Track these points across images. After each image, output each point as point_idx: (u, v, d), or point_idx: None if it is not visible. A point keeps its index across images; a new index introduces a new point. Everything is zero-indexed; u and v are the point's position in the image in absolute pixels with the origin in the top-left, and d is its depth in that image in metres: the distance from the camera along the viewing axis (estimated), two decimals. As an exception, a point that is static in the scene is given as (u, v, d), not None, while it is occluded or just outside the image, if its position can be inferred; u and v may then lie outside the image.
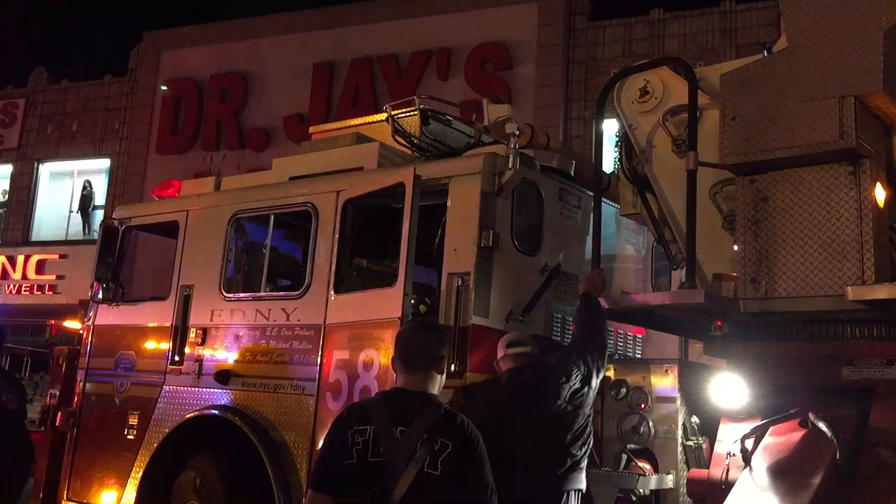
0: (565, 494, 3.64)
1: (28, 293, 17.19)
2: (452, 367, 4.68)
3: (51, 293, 16.95)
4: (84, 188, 18.26)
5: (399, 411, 2.98)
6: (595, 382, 3.91)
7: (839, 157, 3.81)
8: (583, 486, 3.72)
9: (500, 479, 3.03)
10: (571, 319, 5.29)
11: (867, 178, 3.78)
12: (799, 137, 3.83)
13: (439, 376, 3.12)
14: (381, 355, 4.83)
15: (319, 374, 5.16)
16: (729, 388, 3.97)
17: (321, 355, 5.22)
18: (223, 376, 5.64)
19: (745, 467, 3.61)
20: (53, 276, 17.23)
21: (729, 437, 3.89)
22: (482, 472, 2.93)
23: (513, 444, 3.58)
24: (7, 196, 18.89)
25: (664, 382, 4.20)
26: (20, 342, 14.48)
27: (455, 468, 2.87)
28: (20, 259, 17.63)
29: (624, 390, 4.28)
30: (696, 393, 4.16)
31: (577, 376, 3.83)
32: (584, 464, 3.75)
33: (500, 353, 4.07)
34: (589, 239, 5.13)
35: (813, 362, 4.01)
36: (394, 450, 2.88)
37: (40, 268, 17.37)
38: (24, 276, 17.52)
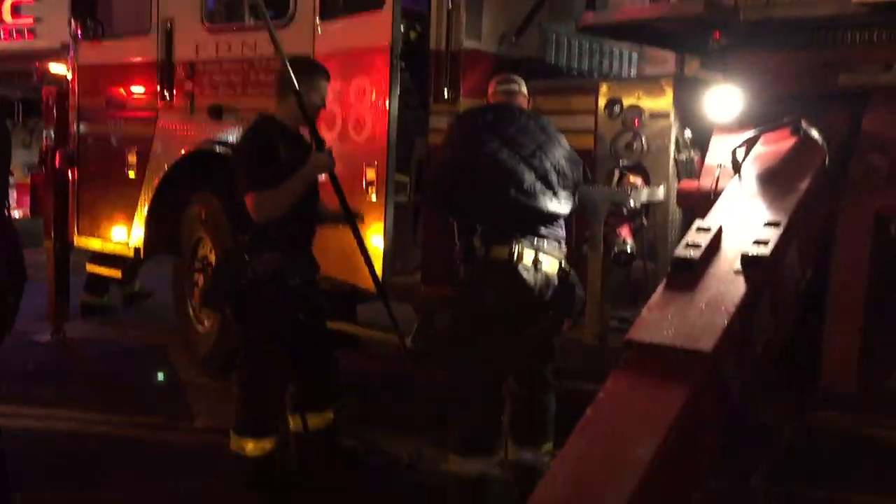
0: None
1: (6, 39, 16.62)
2: (445, 94, 4.64)
3: (31, 38, 16.38)
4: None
5: None
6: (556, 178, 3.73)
7: None
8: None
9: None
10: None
11: None
12: None
13: None
14: (371, 84, 4.76)
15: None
16: (724, 100, 3.93)
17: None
18: (216, 111, 5.61)
19: (734, 176, 3.67)
20: (31, 20, 16.57)
21: (720, 149, 3.92)
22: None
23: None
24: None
25: (658, 98, 4.16)
26: (9, 88, 14.26)
27: None
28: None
29: (618, 108, 4.25)
30: (690, 107, 4.13)
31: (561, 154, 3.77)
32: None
33: (490, 89, 3.98)
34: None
35: (811, 70, 3.96)
36: None
37: (16, 11, 16.66)
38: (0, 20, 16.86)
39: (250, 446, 3.86)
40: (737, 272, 3.09)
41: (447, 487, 3.77)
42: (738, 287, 3.04)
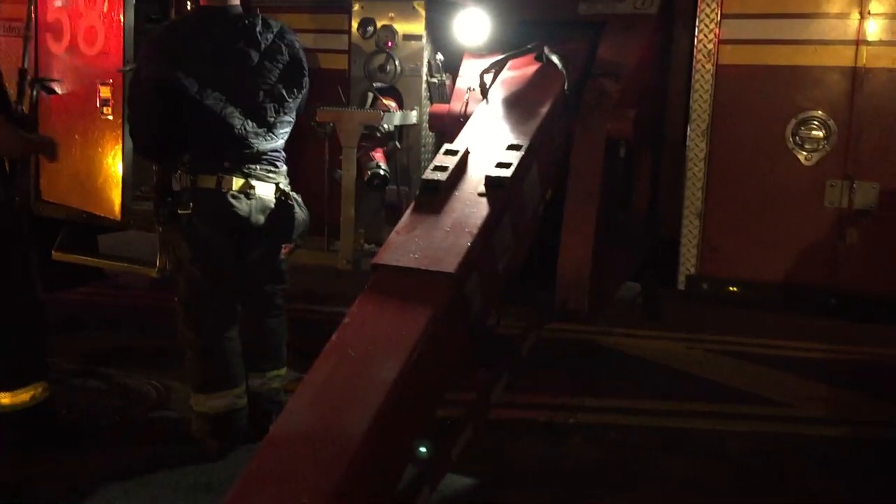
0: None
1: None
2: (188, 5, 4.32)
3: None
4: None
5: None
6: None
7: None
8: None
9: None
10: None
11: None
12: None
13: None
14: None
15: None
16: (474, 24, 3.97)
17: None
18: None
19: (482, 100, 3.73)
20: None
21: (470, 73, 3.97)
22: None
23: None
24: None
25: (412, 20, 4.12)
26: None
27: None
28: None
29: (371, 29, 4.17)
30: (442, 30, 4.14)
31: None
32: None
33: None
34: None
35: (553, -3, 4.09)
36: None
37: None
38: None
39: (23, 396, 3.54)
40: (480, 194, 3.16)
41: (191, 424, 3.66)
42: (482, 208, 3.10)
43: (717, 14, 3.69)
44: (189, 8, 4.26)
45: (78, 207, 4.60)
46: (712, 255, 3.79)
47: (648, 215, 4.17)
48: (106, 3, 4.31)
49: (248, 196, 3.51)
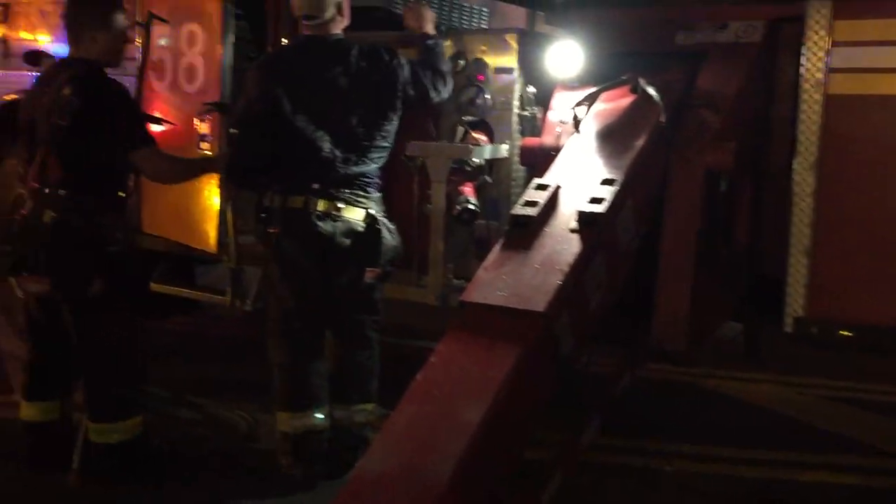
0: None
1: None
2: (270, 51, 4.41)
3: None
4: None
5: None
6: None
7: None
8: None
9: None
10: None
11: None
12: None
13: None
14: (203, 30, 4.44)
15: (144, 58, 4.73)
16: (566, 56, 3.90)
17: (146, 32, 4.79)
18: (33, 57, 5.13)
19: (574, 134, 3.64)
20: None
21: (562, 106, 3.89)
22: None
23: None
24: None
25: (503, 53, 4.07)
26: None
27: None
28: None
29: (462, 62, 4.14)
30: (534, 63, 4.07)
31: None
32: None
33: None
34: None
35: (650, 27, 3.98)
36: None
37: None
38: None
39: (126, 426, 3.62)
40: (573, 230, 3.07)
41: (277, 445, 3.67)
42: (573, 245, 3.01)
43: (826, 42, 3.49)
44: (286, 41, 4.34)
45: (175, 240, 4.70)
46: (822, 296, 3.56)
47: (751, 251, 3.96)
48: (205, 43, 4.42)
49: (333, 218, 3.52)
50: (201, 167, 4.02)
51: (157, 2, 4.66)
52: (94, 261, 3.47)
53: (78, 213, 3.45)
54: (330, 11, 3.58)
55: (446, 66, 3.85)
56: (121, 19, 3.63)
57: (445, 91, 3.81)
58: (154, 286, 4.96)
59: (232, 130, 3.74)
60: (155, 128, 4.35)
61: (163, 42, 4.66)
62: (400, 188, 4.12)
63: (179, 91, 4.59)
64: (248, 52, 4.72)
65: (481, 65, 4.09)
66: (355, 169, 3.56)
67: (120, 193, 3.65)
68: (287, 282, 3.62)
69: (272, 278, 3.73)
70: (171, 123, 4.19)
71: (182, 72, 4.55)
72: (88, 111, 3.40)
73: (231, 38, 4.39)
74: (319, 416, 3.63)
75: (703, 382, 5.05)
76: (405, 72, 3.64)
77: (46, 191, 3.47)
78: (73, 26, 3.57)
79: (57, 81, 3.48)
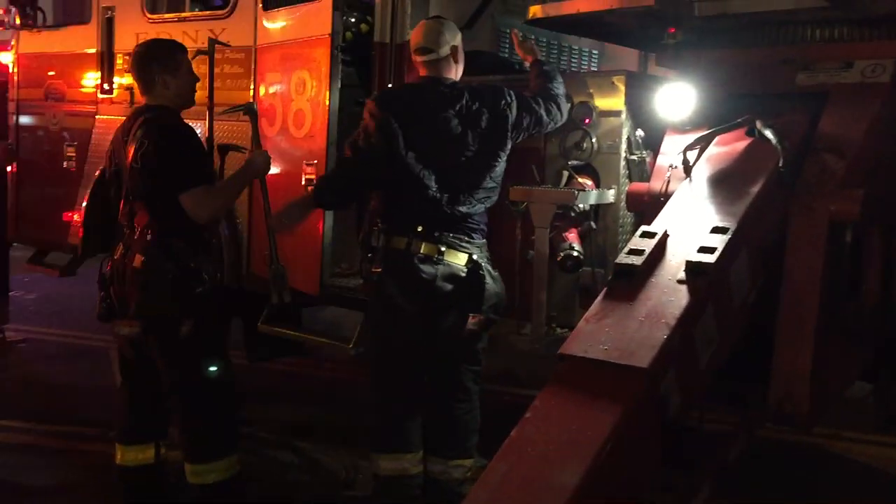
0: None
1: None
2: (389, 87, 4.43)
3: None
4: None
5: None
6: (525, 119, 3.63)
7: None
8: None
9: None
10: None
11: None
12: None
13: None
14: (311, 77, 4.52)
15: (254, 100, 4.86)
16: (677, 98, 3.74)
17: (254, 79, 4.92)
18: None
19: (685, 179, 3.47)
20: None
21: (672, 150, 3.72)
22: None
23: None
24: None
25: (610, 95, 3.95)
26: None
27: None
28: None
29: (568, 105, 4.04)
30: (643, 105, 3.93)
31: (505, 105, 3.55)
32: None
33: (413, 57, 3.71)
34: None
35: (768, 68, 3.77)
36: None
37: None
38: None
39: (220, 467, 3.59)
40: (680, 281, 2.90)
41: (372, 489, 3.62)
42: (681, 297, 2.85)
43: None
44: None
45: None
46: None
47: (881, 307, 3.65)
48: (313, 89, 4.50)
49: (435, 261, 3.46)
50: (241, 180, 3.86)
51: (269, 50, 4.80)
52: (182, 303, 3.50)
53: (165, 255, 3.50)
54: (444, 49, 3.56)
55: (561, 88, 3.80)
56: (187, 62, 3.69)
57: (561, 115, 3.77)
58: (260, 327, 5.02)
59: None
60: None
61: (273, 89, 4.78)
62: (503, 233, 4.03)
63: (288, 135, 4.68)
64: (355, 98, 4.78)
65: (587, 108, 3.98)
66: (461, 211, 3.50)
67: (206, 235, 3.68)
68: (388, 324, 3.58)
69: (374, 318, 3.71)
70: (243, 150, 4.20)
71: (291, 117, 4.64)
72: (153, 153, 3.45)
73: (338, 84, 4.44)
74: (412, 461, 3.54)
75: (830, 446, 4.68)
76: (515, 109, 3.59)
77: (135, 235, 3.54)
78: (143, 74, 3.63)
79: (134, 127, 3.57)
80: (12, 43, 6.45)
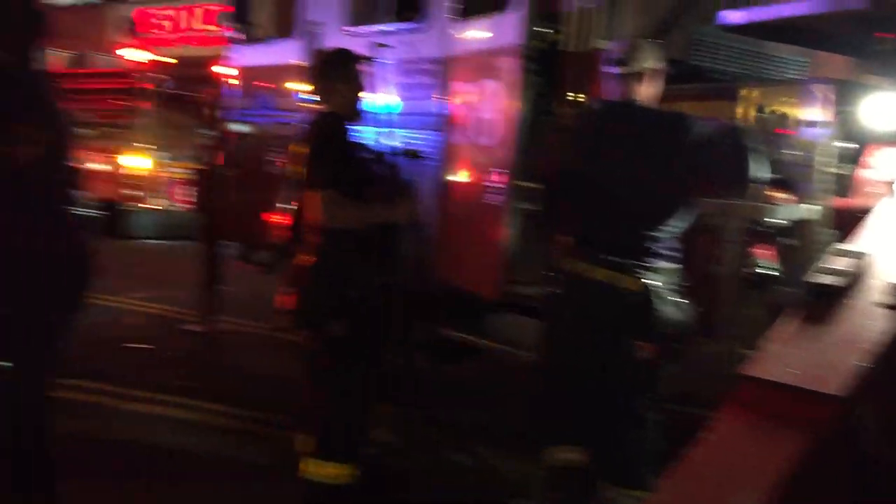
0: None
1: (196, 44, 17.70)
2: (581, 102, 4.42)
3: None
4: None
5: None
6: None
7: None
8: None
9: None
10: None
11: None
12: None
13: None
14: (501, 86, 4.59)
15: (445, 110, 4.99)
16: (885, 108, 3.47)
17: (444, 89, 5.06)
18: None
19: (891, 194, 3.21)
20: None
21: (879, 163, 3.46)
22: None
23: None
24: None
25: (811, 105, 3.73)
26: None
27: None
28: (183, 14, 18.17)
29: (764, 115, 3.85)
30: (847, 116, 3.67)
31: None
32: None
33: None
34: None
35: None
36: None
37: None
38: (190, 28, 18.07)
39: (330, 471, 3.60)
40: (882, 305, 2.69)
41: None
42: (883, 322, 2.63)
43: None
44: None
45: (463, 287, 4.86)
46: None
47: None
48: (503, 99, 4.56)
49: (605, 287, 3.37)
50: (379, 214, 3.76)
51: (461, 61, 4.92)
52: (335, 303, 3.57)
53: (324, 254, 3.61)
54: (640, 64, 3.44)
55: (747, 156, 3.36)
56: (360, 73, 3.79)
57: (740, 182, 3.41)
58: (443, 331, 5.15)
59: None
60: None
61: (464, 99, 4.90)
62: (693, 248, 3.89)
63: (477, 145, 4.77)
64: (544, 108, 4.79)
65: (784, 118, 3.77)
66: (641, 237, 3.38)
67: (365, 236, 3.66)
68: (555, 346, 3.54)
69: (544, 338, 3.68)
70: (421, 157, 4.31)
71: (481, 126, 4.73)
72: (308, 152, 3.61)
73: (528, 94, 4.48)
74: (577, 452, 3.45)
75: None
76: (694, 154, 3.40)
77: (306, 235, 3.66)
78: (322, 83, 3.78)
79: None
80: (230, 56, 7.02)
